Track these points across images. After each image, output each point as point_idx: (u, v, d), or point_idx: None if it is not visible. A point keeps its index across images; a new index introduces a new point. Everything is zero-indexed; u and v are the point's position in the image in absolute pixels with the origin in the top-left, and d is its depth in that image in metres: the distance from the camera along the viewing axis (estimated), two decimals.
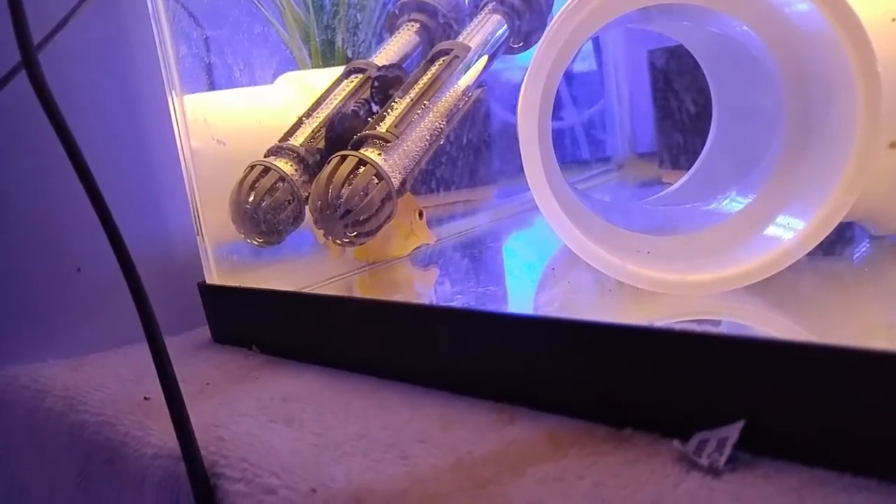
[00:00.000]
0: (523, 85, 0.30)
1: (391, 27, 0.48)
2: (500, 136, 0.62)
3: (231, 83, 0.49)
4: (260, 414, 0.29)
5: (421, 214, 0.45)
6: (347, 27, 0.53)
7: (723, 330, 0.25)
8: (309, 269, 0.44)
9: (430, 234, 0.46)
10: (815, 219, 0.27)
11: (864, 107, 0.26)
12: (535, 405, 0.25)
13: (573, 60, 0.77)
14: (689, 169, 0.45)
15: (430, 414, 0.26)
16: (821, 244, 0.27)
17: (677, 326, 0.22)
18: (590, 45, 0.75)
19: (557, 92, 0.79)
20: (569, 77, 0.78)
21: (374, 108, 0.41)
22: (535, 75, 0.29)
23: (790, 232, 0.28)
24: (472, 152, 0.60)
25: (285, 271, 0.44)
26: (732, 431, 0.20)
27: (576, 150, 0.77)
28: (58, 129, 0.24)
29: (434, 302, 0.36)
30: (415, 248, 0.45)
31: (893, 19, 0.31)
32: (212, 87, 0.49)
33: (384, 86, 0.41)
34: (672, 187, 0.45)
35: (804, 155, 0.30)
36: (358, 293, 0.41)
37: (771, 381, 0.20)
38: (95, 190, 0.24)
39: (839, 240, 0.34)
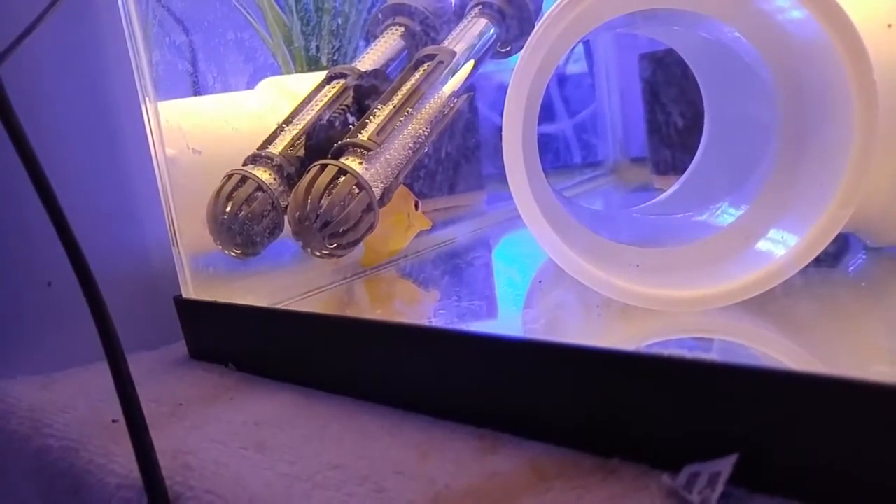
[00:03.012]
0: (507, 93, 0.28)
1: (374, 32, 0.46)
2: (491, 141, 0.61)
3: (216, 88, 0.48)
4: (231, 439, 0.27)
5: (417, 205, 0.44)
6: (322, 33, 0.52)
7: (713, 356, 0.24)
8: (290, 280, 0.42)
9: (426, 220, 0.45)
10: (809, 233, 0.26)
11: (860, 116, 0.25)
12: (518, 432, 0.24)
13: (566, 62, 0.76)
14: (680, 175, 0.44)
15: (409, 441, 0.25)
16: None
17: (666, 352, 0.20)
18: (581, 47, 0.74)
19: (549, 95, 0.78)
20: (561, 79, 0.77)
21: (351, 118, 0.40)
22: (518, 82, 0.28)
23: (784, 247, 0.27)
24: (462, 158, 0.59)
25: (265, 283, 0.42)
26: (725, 465, 0.19)
27: (567, 154, 0.76)
28: (12, 135, 0.23)
29: (414, 318, 0.35)
30: (414, 236, 0.45)
31: (889, 25, 0.30)
32: (197, 92, 0.48)
33: (360, 96, 0.40)
34: (662, 196, 0.44)
35: (799, 165, 0.29)
36: (339, 307, 0.40)
37: (766, 411, 0.19)
38: (52, 198, 0.23)
39: (834, 251, 0.33)
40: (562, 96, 0.76)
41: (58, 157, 0.41)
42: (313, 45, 0.52)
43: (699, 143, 0.43)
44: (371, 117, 0.37)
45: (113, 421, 0.31)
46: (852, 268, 0.33)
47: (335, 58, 0.53)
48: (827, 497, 0.18)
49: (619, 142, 0.73)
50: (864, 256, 0.34)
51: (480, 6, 0.44)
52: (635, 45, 0.64)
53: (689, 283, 0.27)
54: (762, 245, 0.28)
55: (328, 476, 0.23)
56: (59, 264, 0.40)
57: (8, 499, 0.35)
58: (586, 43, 0.73)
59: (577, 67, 0.78)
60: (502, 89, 0.29)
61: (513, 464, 0.22)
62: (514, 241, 0.50)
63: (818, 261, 0.26)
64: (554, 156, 0.75)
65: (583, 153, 0.76)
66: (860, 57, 0.25)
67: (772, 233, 0.28)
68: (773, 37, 0.29)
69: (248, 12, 0.54)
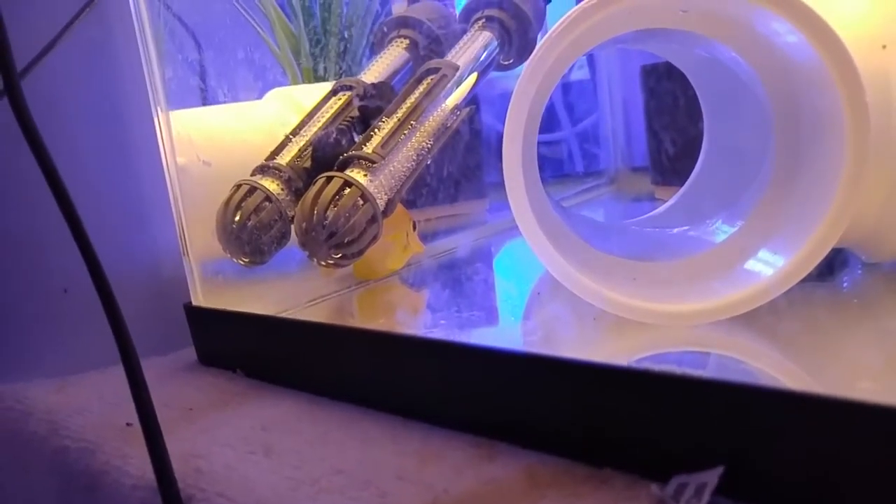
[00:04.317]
0: (508, 112, 0.29)
1: (379, 44, 0.47)
2: (494, 149, 0.62)
3: (225, 99, 0.49)
4: (239, 444, 0.28)
5: (415, 226, 0.45)
6: (329, 56, 0.53)
7: (702, 372, 0.25)
8: (296, 288, 0.43)
9: (420, 244, 0.46)
10: (798, 253, 0.26)
11: (851, 140, 0.25)
12: (515, 441, 0.25)
13: (570, 71, 0.76)
14: (681, 186, 0.45)
15: (409, 448, 0.26)
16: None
17: (657, 367, 0.21)
18: (585, 56, 0.75)
19: (551, 102, 0.78)
20: (564, 87, 0.77)
21: (356, 130, 0.41)
22: (518, 102, 0.29)
23: (773, 266, 0.27)
24: (464, 167, 0.60)
25: (272, 290, 0.44)
26: (711, 477, 0.20)
27: (568, 163, 0.76)
28: (33, 147, 0.24)
29: (415, 328, 0.36)
30: (408, 259, 0.45)
31: (884, 46, 0.30)
32: (206, 102, 0.49)
33: (365, 115, 0.41)
34: (660, 209, 0.44)
35: (792, 185, 0.30)
36: (343, 315, 0.41)
37: (751, 426, 0.20)
38: (70, 207, 0.24)
39: (830, 266, 0.33)
40: (564, 104, 0.77)
41: (72, 166, 0.41)
42: (321, 66, 0.53)
43: (699, 154, 0.43)
44: (376, 130, 0.38)
45: (127, 424, 0.32)
46: (847, 283, 0.34)
47: (341, 72, 0.54)
48: None
49: (620, 151, 0.73)
50: (860, 272, 0.34)
51: (483, 20, 0.45)
52: (638, 56, 0.65)
53: (681, 297, 0.28)
54: (752, 263, 0.29)
55: (332, 480, 0.24)
56: (75, 272, 0.41)
57: (30, 494, 0.36)
58: (589, 53, 0.74)
59: (580, 74, 0.78)
60: (506, 97, 0.30)
61: (508, 471, 0.23)
62: (515, 250, 0.51)
63: (811, 277, 0.27)
64: (555, 165, 0.76)
65: (584, 162, 0.76)
66: (853, 80, 0.25)
67: (762, 252, 0.29)
68: (770, 57, 0.30)
69: (255, 21, 0.55)
